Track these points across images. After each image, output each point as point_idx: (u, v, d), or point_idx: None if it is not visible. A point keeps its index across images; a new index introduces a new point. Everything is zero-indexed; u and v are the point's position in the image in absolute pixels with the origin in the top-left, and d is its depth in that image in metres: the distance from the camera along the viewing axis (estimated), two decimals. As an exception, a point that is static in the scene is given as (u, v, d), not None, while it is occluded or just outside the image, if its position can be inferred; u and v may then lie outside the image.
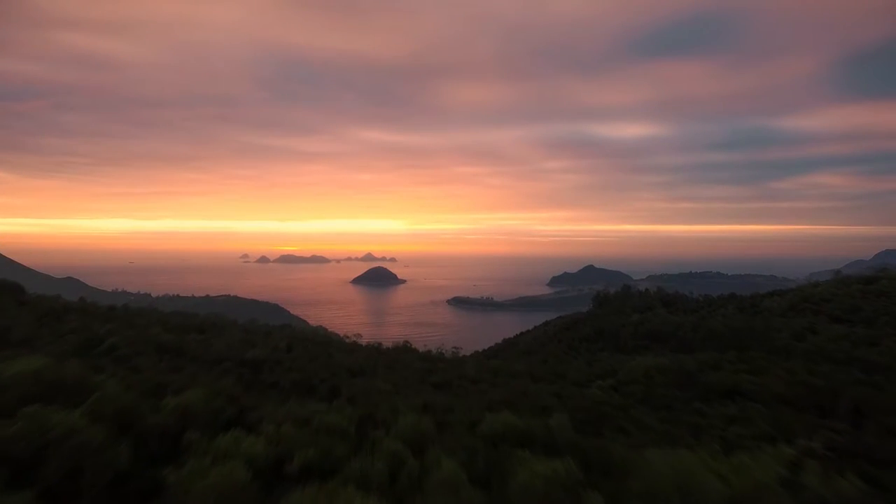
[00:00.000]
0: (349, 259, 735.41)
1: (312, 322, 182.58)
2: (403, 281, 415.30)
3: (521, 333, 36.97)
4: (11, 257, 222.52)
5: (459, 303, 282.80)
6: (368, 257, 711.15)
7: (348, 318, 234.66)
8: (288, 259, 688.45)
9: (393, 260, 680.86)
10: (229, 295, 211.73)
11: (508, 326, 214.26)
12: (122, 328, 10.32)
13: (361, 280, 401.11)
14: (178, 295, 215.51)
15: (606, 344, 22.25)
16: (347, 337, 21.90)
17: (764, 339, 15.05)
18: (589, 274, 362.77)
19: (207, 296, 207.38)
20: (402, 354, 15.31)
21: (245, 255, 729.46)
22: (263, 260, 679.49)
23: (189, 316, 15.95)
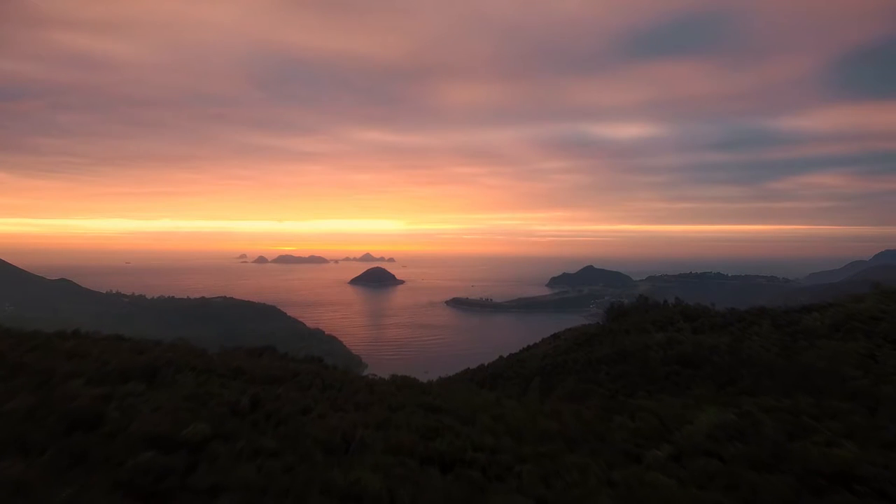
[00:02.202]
0: (347, 259, 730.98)
1: (310, 324, 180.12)
2: (402, 281, 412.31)
3: (529, 347, 34.44)
4: (6, 258, 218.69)
5: (458, 304, 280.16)
6: (367, 257, 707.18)
7: (346, 319, 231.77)
8: (286, 259, 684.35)
9: (391, 260, 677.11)
10: (225, 296, 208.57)
11: (508, 328, 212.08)
12: (23, 387, 7.75)
13: (360, 280, 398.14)
14: (173, 297, 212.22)
15: (630, 368, 19.72)
16: (336, 367, 19.43)
17: (833, 377, 12.53)
18: (588, 274, 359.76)
19: (203, 297, 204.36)
20: (400, 396, 12.76)
21: (243, 256, 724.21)
22: (261, 260, 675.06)
23: (144, 347, 13.35)
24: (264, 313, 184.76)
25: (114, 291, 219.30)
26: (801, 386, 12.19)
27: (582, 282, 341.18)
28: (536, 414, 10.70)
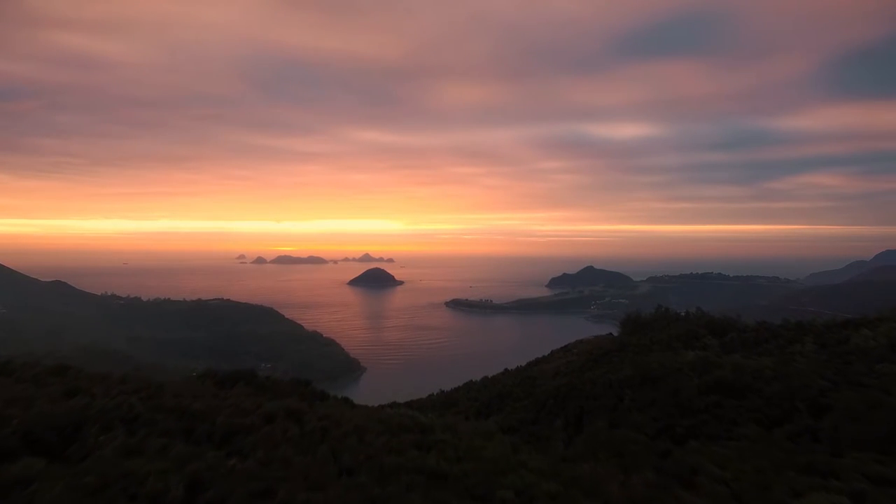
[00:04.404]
0: (346, 259, 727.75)
1: (308, 326, 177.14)
2: (401, 282, 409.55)
3: (538, 360, 31.92)
4: (2, 259, 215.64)
5: (458, 305, 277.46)
6: (366, 258, 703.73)
7: (345, 321, 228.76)
8: (285, 260, 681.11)
9: (391, 261, 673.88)
10: (222, 298, 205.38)
11: (509, 330, 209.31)
12: None
13: (359, 281, 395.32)
14: (169, 298, 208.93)
15: (660, 396, 17.25)
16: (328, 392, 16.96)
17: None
18: (588, 275, 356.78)
19: (199, 299, 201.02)
20: (395, 447, 10.28)
21: (241, 256, 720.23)
22: (260, 261, 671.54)
23: (83, 383, 10.86)
24: (261, 315, 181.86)
25: (109, 293, 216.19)
26: (886, 431, 9.74)
27: (582, 282, 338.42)
28: (572, 486, 8.23)
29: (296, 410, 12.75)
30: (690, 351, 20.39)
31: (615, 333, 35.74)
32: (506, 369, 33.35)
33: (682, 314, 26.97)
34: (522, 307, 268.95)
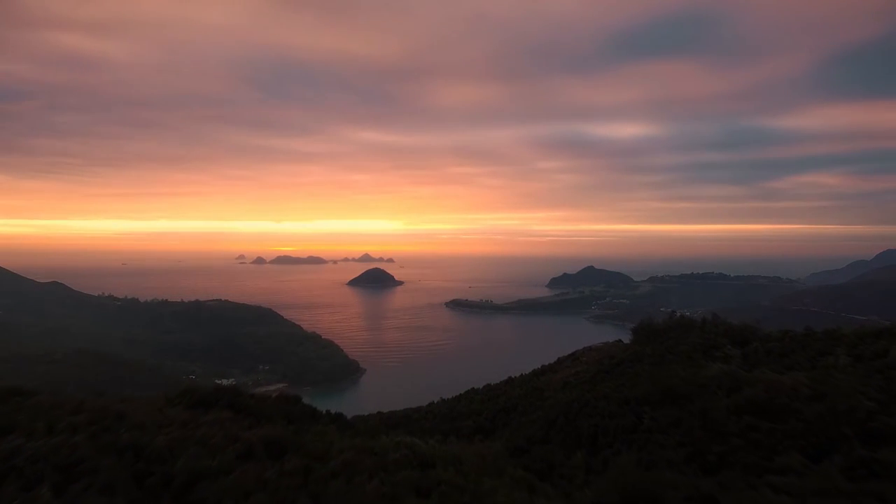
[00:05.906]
0: (346, 260, 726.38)
1: (307, 327, 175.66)
2: (401, 282, 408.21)
3: (544, 369, 30.38)
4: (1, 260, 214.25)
5: (458, 305, 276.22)
6: (366, 258, 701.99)
7: (345, 322, 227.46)
8: (284, 260, 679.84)
9: (390, 261, 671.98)
10: (220, 299, 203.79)
11: (510, 331, 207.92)
12: None
13: (358, 282, 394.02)
14: (166, 299, 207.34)
15: (685, 416, 15.58)
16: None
17: None
18: (589, 275, 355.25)
19: (197, 300, 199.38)
20: (390, 493, 8.66)
21: (241, 256, 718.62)
22: (259, 261, 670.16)
23: (24, 416, 9.24)
24: (260, 316, 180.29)
25: (106, 294, 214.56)
26: None
27: (582, 282, 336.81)
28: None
29: (277, 441, 11.07)
30: (713, 363, 18.78)
31: (620, 335, 34.36)
32: (510, 377, 31.78)
33: (699, 321, 25.42)
34: (523, 307, 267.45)
